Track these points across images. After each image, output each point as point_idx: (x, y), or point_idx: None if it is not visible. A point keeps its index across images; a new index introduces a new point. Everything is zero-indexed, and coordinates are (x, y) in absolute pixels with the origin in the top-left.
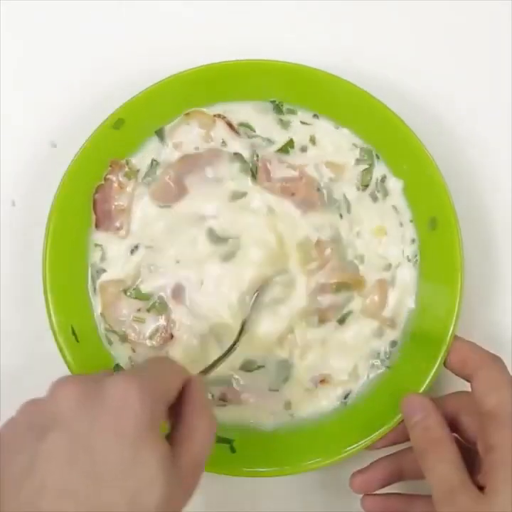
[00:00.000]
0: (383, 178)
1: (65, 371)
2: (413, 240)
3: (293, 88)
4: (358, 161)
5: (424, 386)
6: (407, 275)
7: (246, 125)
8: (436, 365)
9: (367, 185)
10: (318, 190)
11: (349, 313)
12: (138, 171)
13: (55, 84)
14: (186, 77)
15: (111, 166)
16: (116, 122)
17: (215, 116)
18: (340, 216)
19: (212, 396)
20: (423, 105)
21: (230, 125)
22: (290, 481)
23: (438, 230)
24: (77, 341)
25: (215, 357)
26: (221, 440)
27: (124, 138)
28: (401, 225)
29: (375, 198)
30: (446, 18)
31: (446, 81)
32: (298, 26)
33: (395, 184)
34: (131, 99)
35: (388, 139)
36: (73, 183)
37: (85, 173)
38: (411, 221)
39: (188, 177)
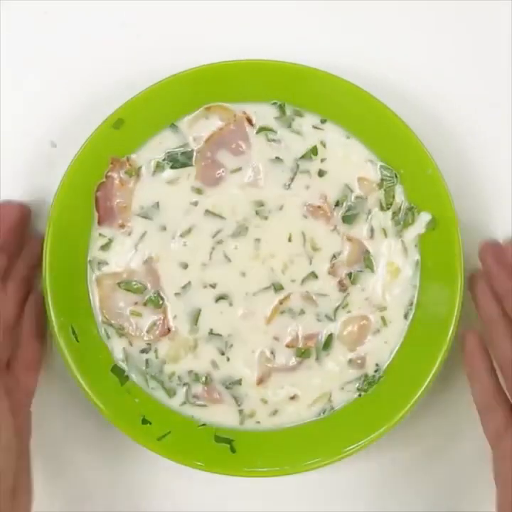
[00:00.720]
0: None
1: (64, 370)
2: (415, 286)
3: (293, 88)
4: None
5: (429, 377)
6: (395, 329)
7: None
8: (438, 361)
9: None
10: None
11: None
12: (139, 168)
13: (55, 84)
14: (185, 77)
15: (112, 163)
16: (116, 122)
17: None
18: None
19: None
20: (423, 105)
21: (249, 121)
22: (290, 481)
23: (438, 230)
24: (77, 341)
25: (211, 356)
26: (221, 440)
27: (124, 137)
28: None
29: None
30: (446, 18)
31: (446, 81)
32: (297, 27)
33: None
34: (131, 100)
35: (388, 139)
36: (74, 182)
37: (86, 172)
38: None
39: (219, 153)
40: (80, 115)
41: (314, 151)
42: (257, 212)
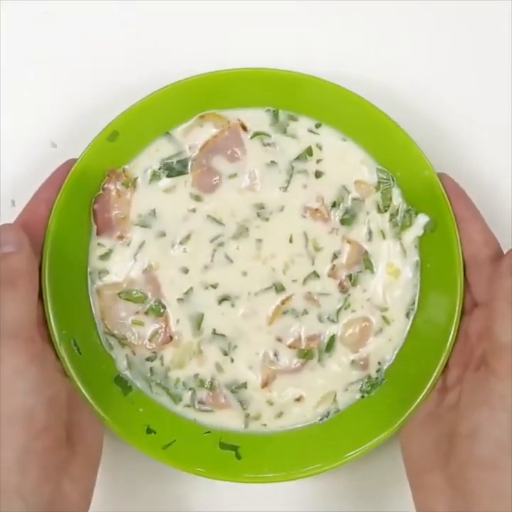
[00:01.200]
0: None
1: None
2: (415, 285)
3: (287, 95)
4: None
5: (433, 377)
6: (398, 328)
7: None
8: (441, 361)
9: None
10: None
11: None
12: (136, 178)
13: (55, 85)
14: (178, 88)
15: (108, 175)
16: (111, 134)
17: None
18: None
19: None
20: (421, 111)
21: (243, 127)
22: (292, 485)
23: (436, 232)
24: (80, 353)
25: (215, 358)
26: (226, 447)
27: (120, 148)
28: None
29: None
30: (445, 22)
31: (444, 87)
32: (292, 34)
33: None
34: (124, 112)
35: (383, 143)
36: (71, 196)
37: (82, 185)
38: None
39: (215, 160)
40: (80, 115)
41: (309, 151)
42: (258, 214)
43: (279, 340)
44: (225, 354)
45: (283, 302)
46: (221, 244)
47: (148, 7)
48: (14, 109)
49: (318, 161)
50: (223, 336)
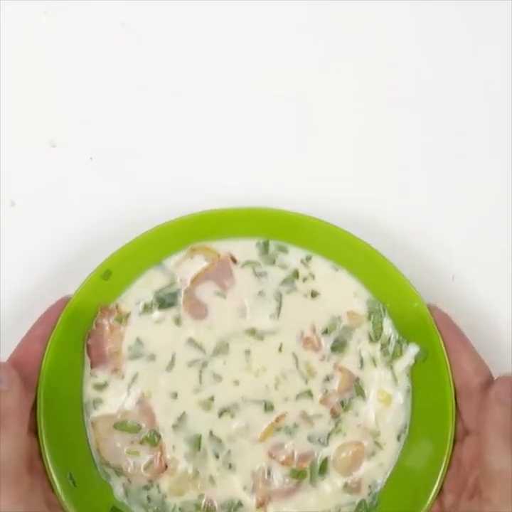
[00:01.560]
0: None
1: None
2: (407, 410)
3: (278, 232)
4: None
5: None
6: (390, 452)
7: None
8: (432, 492)
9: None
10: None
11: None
12: (128, 314)
13: (55, 84)
14: (170, 227)
15: (101, 311)
16: (105, 273)
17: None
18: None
19: None
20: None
21: (233, 260)
22: None
23: (428, 362)
24: (75, 486)
25: (214, 472)
26: None
27: (113, 285)
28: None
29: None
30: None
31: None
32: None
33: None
34: (118, 251)
35: (373, 275)
36: (65, 332)
37: (76, 321)
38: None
39: (205, 291)
40: (80, 115)
41: (296, 274)
42: (249, 336)
43: (272, 456)
44: (217, 457)
45: (277, 420)
46: (205, 365)
47: (148, 8)
48: (14, 109)
49: (304, 280)
50: (219, 440)
